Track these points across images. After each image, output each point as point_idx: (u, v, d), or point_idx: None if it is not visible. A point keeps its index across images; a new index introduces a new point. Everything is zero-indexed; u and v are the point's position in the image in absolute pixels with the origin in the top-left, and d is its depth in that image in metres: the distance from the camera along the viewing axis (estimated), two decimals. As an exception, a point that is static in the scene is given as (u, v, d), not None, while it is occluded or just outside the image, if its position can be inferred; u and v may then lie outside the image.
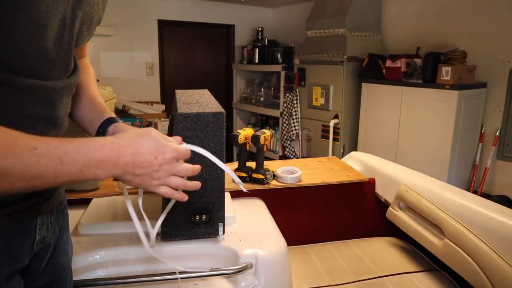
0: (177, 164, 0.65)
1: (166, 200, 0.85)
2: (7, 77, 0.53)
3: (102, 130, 0.79)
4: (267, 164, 1.72)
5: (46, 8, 0.54)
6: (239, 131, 1.50)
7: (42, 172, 0.51)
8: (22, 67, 0.55)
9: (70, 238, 0.82)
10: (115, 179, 1.04)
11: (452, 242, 1.28)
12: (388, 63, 3.11)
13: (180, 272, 1.00)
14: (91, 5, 0.65)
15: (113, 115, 0.82)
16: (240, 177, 1.58)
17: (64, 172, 0.53)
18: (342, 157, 2.37)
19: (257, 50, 4.53)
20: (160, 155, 0.62)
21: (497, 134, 2.85)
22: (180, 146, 0.67)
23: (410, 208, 1.54)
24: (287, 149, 4.05)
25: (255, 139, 1.53)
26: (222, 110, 1.04)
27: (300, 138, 3.95)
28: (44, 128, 0.62)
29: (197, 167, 0.69)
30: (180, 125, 1.01)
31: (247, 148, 1.58)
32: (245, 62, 4.76)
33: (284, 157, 4.12)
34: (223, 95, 5.07)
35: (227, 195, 1.37)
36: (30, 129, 0.59)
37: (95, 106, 0.82)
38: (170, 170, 0.64)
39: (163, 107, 4.38)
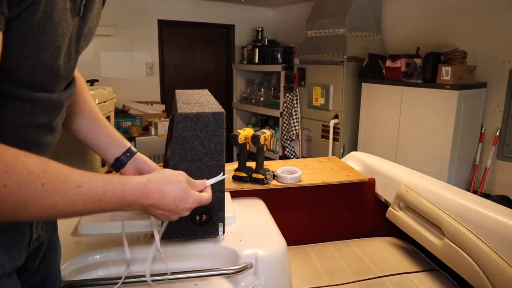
0: (194, 207, 0.73)
1: None
2: (19, 93, 0.56)
3: (124, 159, 0.90)
4: (267, 164, 1.72)
5: (62, 31, 0.56)
6: (239, 131, 1.50)
7: (82, 207, 0.55)
8: (35, 84, 0.58)
9: (58, 237, 0.84)
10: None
11: (452, 242, 1.28)
12: (388, 63, 3.11)
13: (180, 272, 1.00)
14: (93, 20, 0.68)
15: (128, 144, 0.93)
16: (240, 177, 1.59)
17: (99, 208, 0.58)
18: (342, 157, 2.37)
19: (257, 50, 4.52)
20: (182, 204, 0.70)
21: (497, 134, 2.85)
22: (203, 196, 0.74)
23: (410, 208, 1.54)
24: (287, 149, 4.05)
25: (255, 139, 1.53)
26: (222, 110, 1.04)
27: (300, 138, 3.95)
28: (43, 135, 0.64)
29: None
30: (180, 125, 1.01)
31: (247, 148, 1.58)
32: (245, 62, 4.76)
33: (284, 157, 4.12)
34: (223, 95, 5.07)
35: (227, 195, 1.37)
36: (31, 137, 0.61)
37: (108, 132, 0.90)
38: (186, 214, 0.72)
39: (163, 107, 4.38)
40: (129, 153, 0.92)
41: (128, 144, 0.93)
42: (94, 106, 0.90)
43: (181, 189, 0.69)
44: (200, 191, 0.77)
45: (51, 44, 0.55)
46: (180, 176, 0.71)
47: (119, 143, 0.91)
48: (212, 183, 0.83)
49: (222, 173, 0.91)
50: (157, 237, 0.86)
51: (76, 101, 0.84)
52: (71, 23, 0.59)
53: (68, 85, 0.69)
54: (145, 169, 0.91)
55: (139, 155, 0.93)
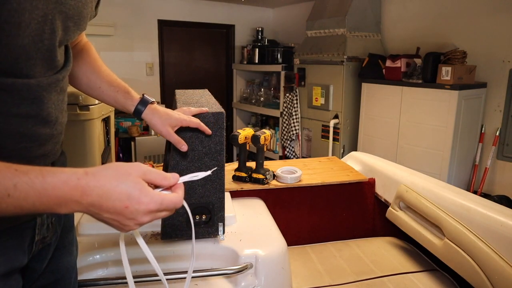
0: (157, 214, 0.57)
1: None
2: None
3: (139, 111, 1.03)
4: (267, 164, 1.72)
5: (16, 6, 0.51)
6: (239, 131, 1.50)
7: None
8: (3, 68, 0.54)
9: (76, 238, 0.82)
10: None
11: (452, 242, 1.28)
12: (388, 63, 3.11)
13: (180, 272, 1.00)
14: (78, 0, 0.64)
15: (137, 95, 1.05)
16: (240, 177, 1.59)
17: (12, 206, 0.48)
18: (342, 157, 2.37)
19: (257, 50, 4.53)
20: (133, 205, 0.53)
21: (497, 134, 2.85)
22: (169, 197, 0.57)
23: (410, 208, 1.54)
24: (287, 149, 4.05)
25: (255, 139, 1.53)
26: (222, 110, 1.04)
27: (300, 138, 3.95)
28: (34, 126, 0.60)
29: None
30: (180, 125, 1.01)
31: (247, 148, 1.58)
32: (245, 62, 4.76)
33: (284, 157, 4.11)
34: (223, 95, 5.07)
35: (227, 195, 1.37)
36: (18, 127, 0.57)
37: (119, 86, 1.03)
38: (146, 221, 0.56)
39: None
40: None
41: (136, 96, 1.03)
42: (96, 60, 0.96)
43: (130, 184, 0.53)
44: (170, 190, 0.60)
45: (2, 20, 0.50)
46: (131, 168, 0.55)
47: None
48: (187, 180, 0.62)
49: (209, 171, 0.68)
50: (141, 242, 0.72)
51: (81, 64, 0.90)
52: None
53: (56, 71, 0.64)
54: None
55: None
